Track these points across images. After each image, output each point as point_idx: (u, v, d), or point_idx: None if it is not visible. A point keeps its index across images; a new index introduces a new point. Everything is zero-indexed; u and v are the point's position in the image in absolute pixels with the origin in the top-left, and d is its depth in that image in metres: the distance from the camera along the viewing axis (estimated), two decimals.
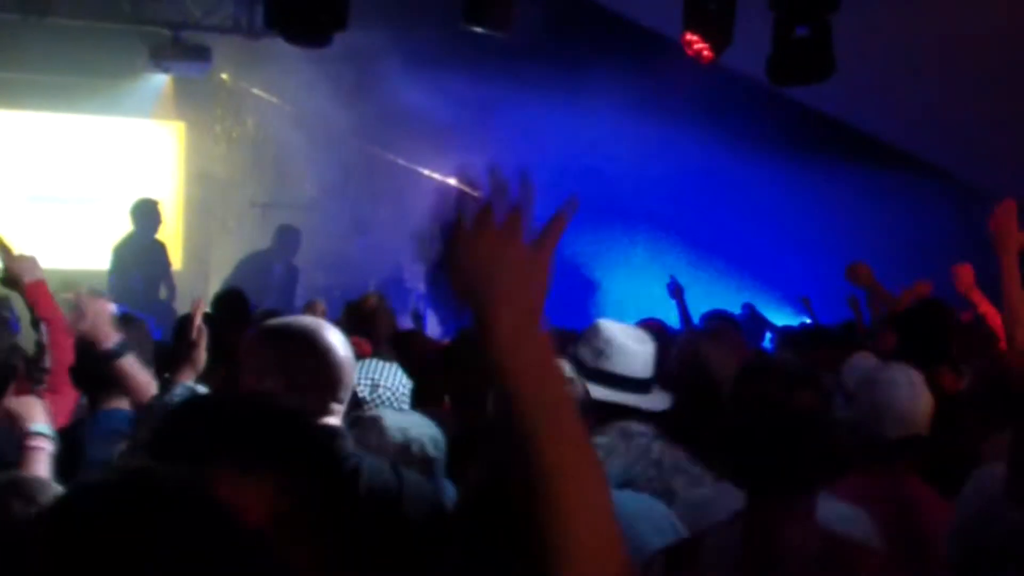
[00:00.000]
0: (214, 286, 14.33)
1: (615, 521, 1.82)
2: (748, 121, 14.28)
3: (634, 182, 15.30)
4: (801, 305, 11.47)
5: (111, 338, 4.76)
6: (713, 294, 14.16)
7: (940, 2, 11.52)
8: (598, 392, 4.61)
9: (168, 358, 5.09)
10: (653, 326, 7.85)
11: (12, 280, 5.32)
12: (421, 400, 5.41)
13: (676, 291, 10.92)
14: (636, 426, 4.60)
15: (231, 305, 8.27)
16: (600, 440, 4.45)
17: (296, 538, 1.95)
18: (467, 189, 2.00)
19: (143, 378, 4.83)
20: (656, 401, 4.79)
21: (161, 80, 15.35)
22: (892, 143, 14.74)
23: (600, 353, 4.83)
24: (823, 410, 3.32)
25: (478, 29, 11.18)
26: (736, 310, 11.25)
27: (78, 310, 4.68)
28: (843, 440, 4.04)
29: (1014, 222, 6.00)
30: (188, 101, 16.11)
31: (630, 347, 4.84)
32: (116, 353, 4.76)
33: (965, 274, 7.70)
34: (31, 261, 5.41)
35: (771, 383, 3.35)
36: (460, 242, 1.91)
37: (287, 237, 14.46)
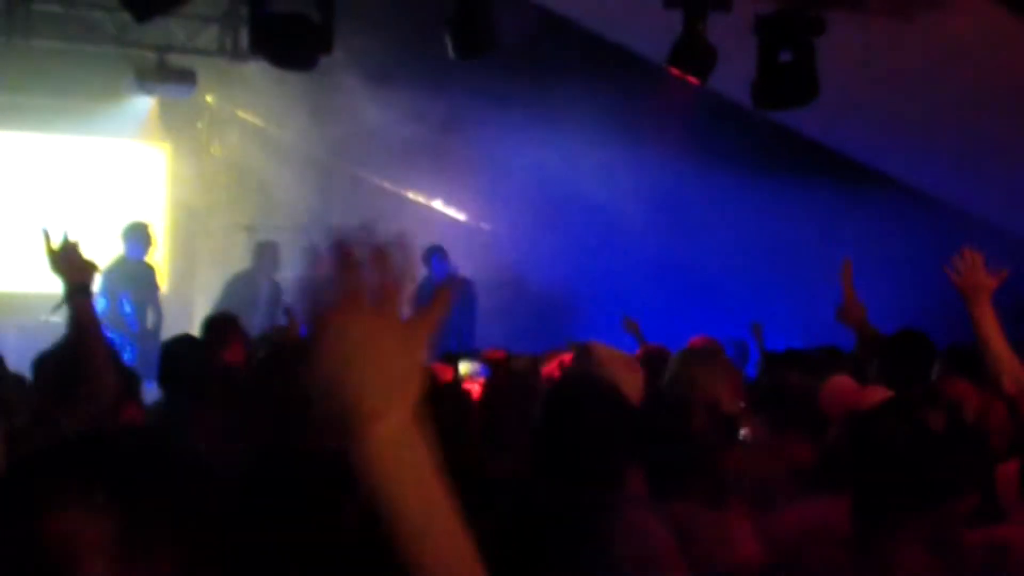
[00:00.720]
0: (199, 308, 14.34)
1: None
2: (721, 139, 14.31)
3: (608, 202, 15.29)
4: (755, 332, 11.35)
5: None
6: (688, 315, 14.21)
7: (920, 25, 11.55)
8: None
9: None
10: (654, 352, 7.87)
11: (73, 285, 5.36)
12: None
13: (630, 326, 10.83)
14: None
15: (221, 328, 8.21)
16: None
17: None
18: (343, 254, 1.74)
19: None
20: None
21: (146, 102, 15.33)
22: (868, 163, 14.77)
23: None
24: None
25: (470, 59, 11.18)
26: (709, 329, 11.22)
27: None
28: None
29: (981, 272, 5.86)
30: (173, 123, 16.11)
31: (619, 375, 4.86)
32: None
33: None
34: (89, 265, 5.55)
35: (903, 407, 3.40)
36: (326, 324, 1.64)
37: (267, 253, 14.35)
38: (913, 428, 3.37)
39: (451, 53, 11.04)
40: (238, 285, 14.04)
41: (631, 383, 4.90)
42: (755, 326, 11.06)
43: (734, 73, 11.19)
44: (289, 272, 15.10)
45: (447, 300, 1.80)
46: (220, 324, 8.34)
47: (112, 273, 13.24)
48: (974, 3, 10.84)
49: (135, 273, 13.46)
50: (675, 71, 11.38)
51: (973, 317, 5.76)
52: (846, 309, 7.48)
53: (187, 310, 14.55)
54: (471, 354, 9.52)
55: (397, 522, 1.63)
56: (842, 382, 5.39)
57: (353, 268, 1.71)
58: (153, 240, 13.74)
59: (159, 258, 14.99)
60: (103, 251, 13.99)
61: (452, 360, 8.70)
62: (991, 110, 11.90)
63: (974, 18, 11.14)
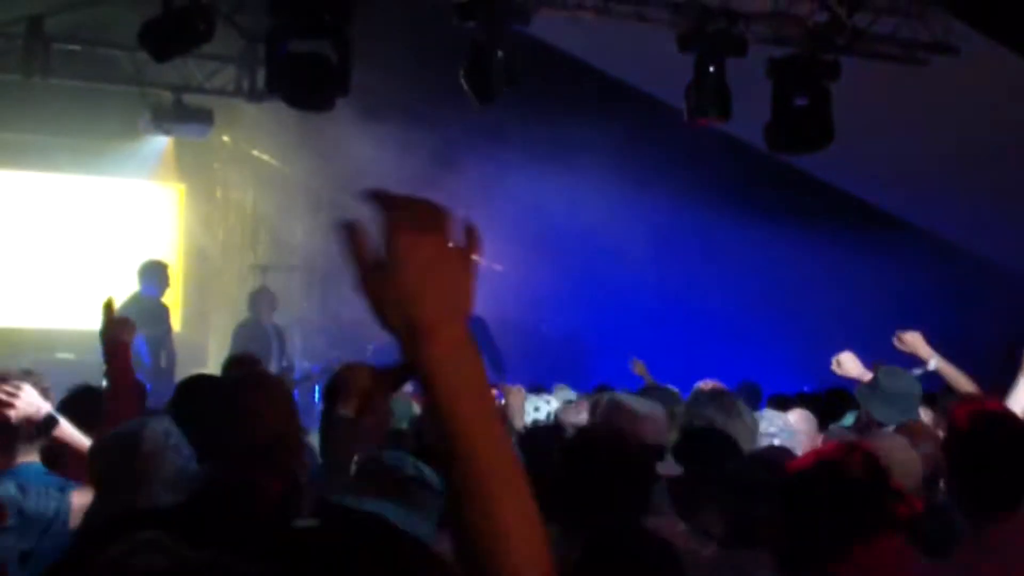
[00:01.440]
0: (214, 349, 14.36)
1: (544, 541, 1.82)
2: (730, 179, 14.33)
3: (615, 242, 15.29)
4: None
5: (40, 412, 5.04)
6: (694, 355, 14.18)
7: (931, 70, 11.59)
8: None
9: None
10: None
11: (108, 338, 5.58)
12: None
13: (638, 368, 10.79)
14: None
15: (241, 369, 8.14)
16: None
17: None
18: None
19: (81, 440, 5.08)
20: (668, 467, 4.86)
21: (162, 142, 15.40)
22: (878, 206, 14.79)
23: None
24: None
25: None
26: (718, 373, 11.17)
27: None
28: None
29: (921, 347, 6.78)
30: (189, 163, 16.17)
31: (642, 413, 4.95)
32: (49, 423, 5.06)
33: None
34: (129, 325, 5.76)
35: None
36: (399, 240, 1.84)
37: (263, 300, 14.37)
38: (828, 474, 3.38)
39: (472, 97, 11.05)
40: (248, 332, 14.05)
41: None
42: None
43: (748, 115, 11.20)
44: (298, 312, 15.15)
45: (477, 239, 1.92)
46: (240, 365, 8.26)
47: (126, 310, 13.25)
48: (986, 49, 10.86)
49: (149, 311, 13.46)
50: (701, 121, 11.40)
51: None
52: (839, 361, 7.52)
53: (201, 349, 14.57)
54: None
55: (453, 424, 1.78)
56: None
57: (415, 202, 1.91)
58: (169, 279, 13.78)
59: (172, 297, 15.02)
60: (116, 290, 14.07)
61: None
62: (1002, 155, 11.92)
63: (986, 64, 11.18)
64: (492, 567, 1.77)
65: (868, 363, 8.49)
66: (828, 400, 8.82)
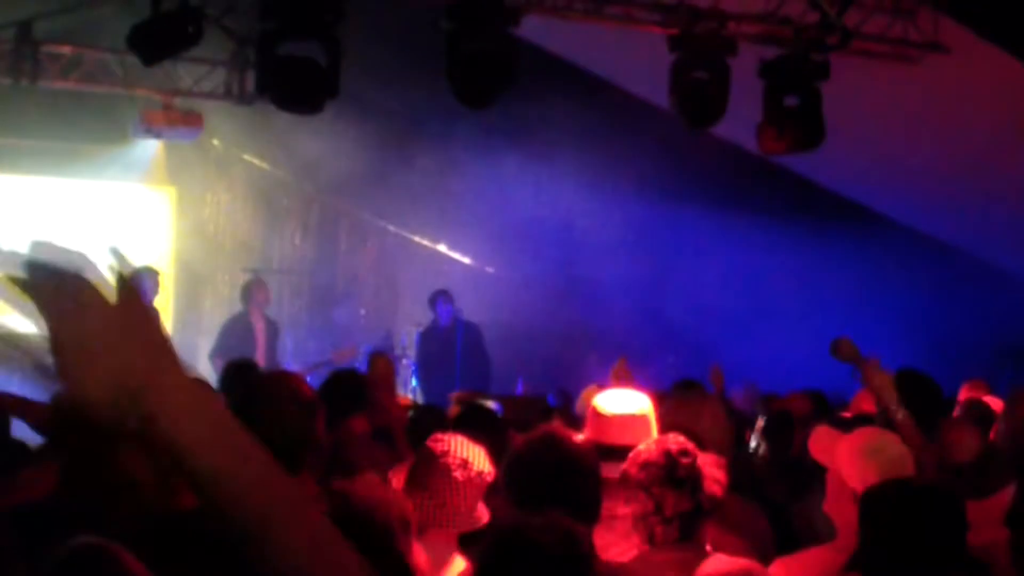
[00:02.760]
0: (203, 352, 14.32)
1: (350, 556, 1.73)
2: (713, 175, 14.33)
3: (607, 245, 15.28)
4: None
5: None
6: (681, 355, 14.17)
7: (922, 70, 11.60)
8: None
9: None
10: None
11: None
12: None
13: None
14: None
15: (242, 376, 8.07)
16: None
17: None
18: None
19: None
20: None
21: (152, 146, 15.36)
22: (868, 205, 14.80)
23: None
24: None
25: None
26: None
27: None
28: None
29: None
30: (179, 167, 16.13)
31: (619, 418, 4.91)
32: None
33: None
34: None
35: None
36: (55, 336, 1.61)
37: (256, 291, 14.32)
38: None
39: (459, 100, 11.03)
40: (235, 327, 14.05)
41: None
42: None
43: (738, 117, 11.20)
44: (287, 315, 15.15)
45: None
46: (240, 371, 8.21)
47: None
48: (976, 48, 10.87)
49: None
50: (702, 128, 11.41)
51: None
52: (836, 344, 7.50)
53: (192, 352, 14.51)
54: (488, 396, 9.57)
55: (207, 472, 1.63)
56: (822, 432, 5.37)
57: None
58: (159, 286, 13.74)
59: (164, 301, 14.99)
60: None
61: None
62: (992, 153, 11.92)
63: (976, 63, 11.18)
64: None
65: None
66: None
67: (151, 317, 1.67)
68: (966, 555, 3.66)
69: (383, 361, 7.77)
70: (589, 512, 4.13)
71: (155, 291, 13.68)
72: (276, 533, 1.65)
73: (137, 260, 14.18)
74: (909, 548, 3.63)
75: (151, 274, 13.61)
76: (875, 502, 3.81)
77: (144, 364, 1.62)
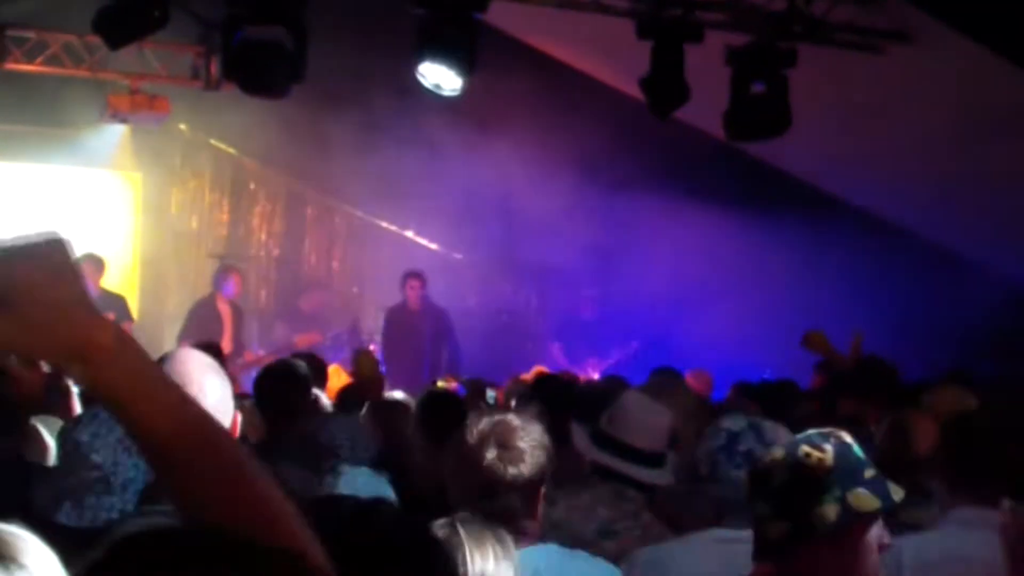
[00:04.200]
0: (170, 337, 14.28)
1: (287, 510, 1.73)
2: (693, 170, 14.36)
3: (580, 232, 15.28)
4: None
5: None
6: (656, 345, 14.19)
7: (889, 58, 11.64)
8: (597, 454, 4.77)
9: None
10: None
11: None
12: None
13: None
14: (631, 491, 4.85)
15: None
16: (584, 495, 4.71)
17: None
18: None
19: None
20: (656, 475, 4.89)
21: (119, 130, 15.27)
22: (838, 196, 14.85)
23: (611, 419, 4.93)
24: None
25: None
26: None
27: None
28: None
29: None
30: (146, 151, 16.04)
31: (639, 418, 4.95)
32: None
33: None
34: None
35: None
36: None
37: (226, 278, 14.33)
38: (794, 463, 3.36)
39: (432, 88, 11.06)
40: (200, 310, 14.05)
41: None
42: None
43: (706, 104, 11.23)
44: (254, 301, 15.10)
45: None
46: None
47: None
48: (943, 36, 10.90)
49: (104, 304, 13.48)
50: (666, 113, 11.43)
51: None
52: (808, 337, 7.55)
53: (157, 337, 14.46)
54: (461, 380, 9.63)
55: (148, 421, 1.69)
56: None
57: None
58: (103, 272, 13.76)
59: (129, 286, 14.95)
60: None
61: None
62: (959, 142, 11.96)
63: (943, 51, 11.22)
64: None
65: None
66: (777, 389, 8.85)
67: (79, 278, 1.76)
68: None
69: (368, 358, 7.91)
70: None
71: (99, 275, 13.67)
72: (205, 473, 1.71)
73: (104, 244, 14.16)
74: None
75: (93, 260, 13.60)
76: None
77: (82, 323, 1.70)
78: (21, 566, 1.78)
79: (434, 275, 14.98)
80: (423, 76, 11.01)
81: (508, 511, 3.69)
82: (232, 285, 14.30)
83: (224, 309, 14.11)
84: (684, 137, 13.72)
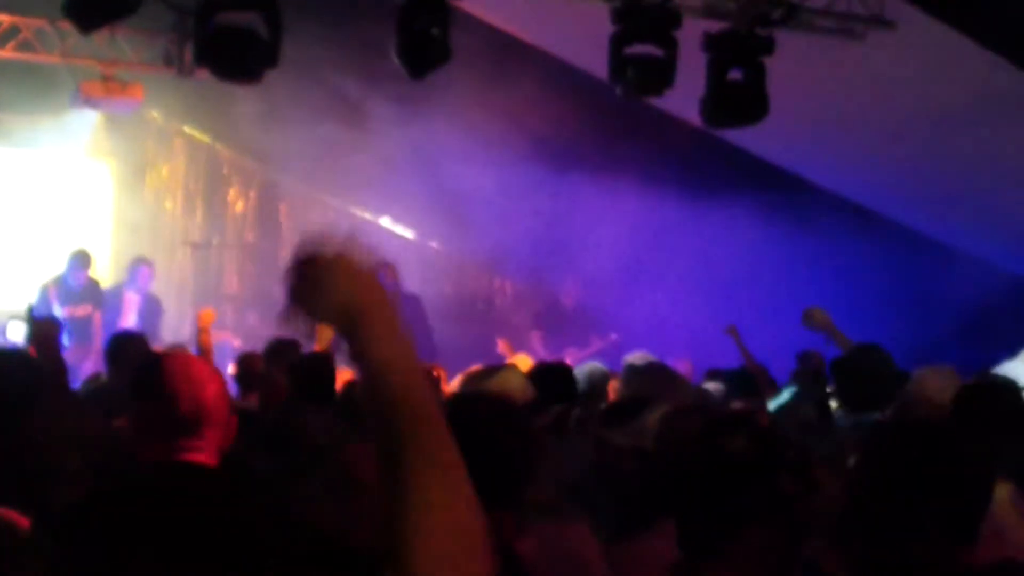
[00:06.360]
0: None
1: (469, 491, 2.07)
2: (658, 150, 14.32)
3: (559, 222, 15.24)
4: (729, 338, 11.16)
5: None
6: (638, 337, 14.14)
7: (868, 44, 11.62)
8: None
9: None
10: None
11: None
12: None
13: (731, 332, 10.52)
14: None
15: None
16: None
17: None
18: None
19: None
20: None
21: (91, 117, 15.15)
22: (818, 183, 14.82)
23: None
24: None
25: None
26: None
27: None
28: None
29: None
30: (118, 139, 15.92)
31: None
32: None
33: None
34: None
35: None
36: (326, 269, 2.25)
37: (137, 270, 14.32)
38: (709, 453, 3.28)
39: (407, 73, 10.99)
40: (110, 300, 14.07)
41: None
42: (731, 330, 10.71)
43: (682, 90, 11.18)
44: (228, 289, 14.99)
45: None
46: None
47: (48, 290, 13.29)
48: (921, 22, 10.88)
49: (73, 292, 13.49)
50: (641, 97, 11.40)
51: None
52: (809, 313, 7.52)
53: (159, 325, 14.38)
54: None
55: (388, 391, 2.09)
56: None
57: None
58: (89, 265, 13.75)
59: (102, 274, 14.84)
60: (45, 266, 13.96)
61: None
62: (939, 128, 11.96)
63: (921, 38, 11.20)
64: (413, 525, 2.00)
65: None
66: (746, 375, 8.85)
67: (369, 268, 2.24)
68: None
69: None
70: None
71: (87, 269, 13.67)
72: (427, 449, 2.06)
73: (75, 232, 14.07)
74: None
75: (81, 255, 13.60)
76: None
77: (362, 297, 2.18)
78: None
79: (409, 264, 14.89)
80: (399, 62, 10.95)
81: None
82: (141, 277, 14.27)
83: (131, 300, 14.08)
84: (666, 125, 13.68)
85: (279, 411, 6.29)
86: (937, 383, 5.59)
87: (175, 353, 3.86)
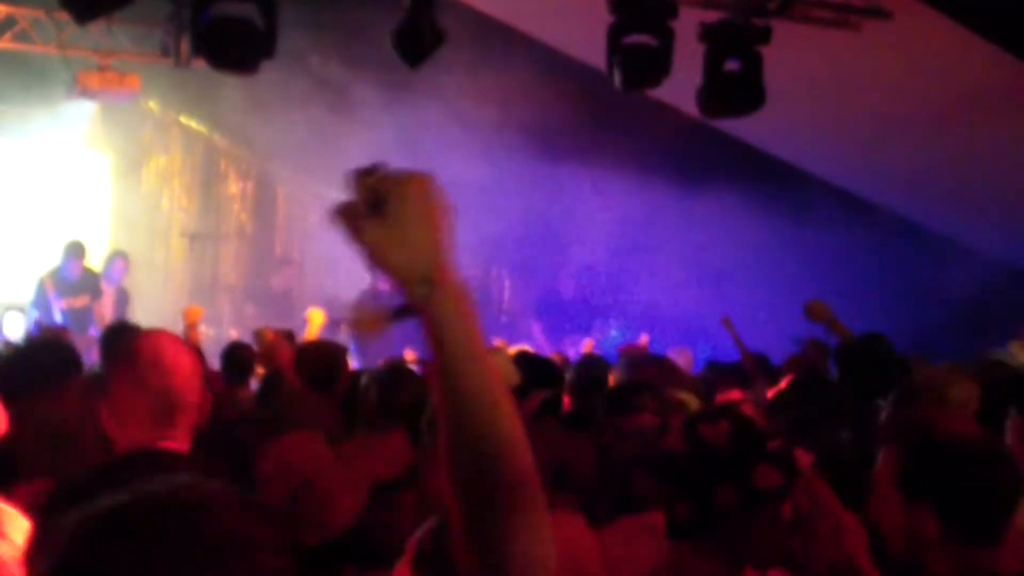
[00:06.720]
0: (140, 316, 14.18)
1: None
2: (654, 140, 14.32)
3: (557, 214, 15.25)
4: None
5: None
6: (636, 326, 14.17)
7: (865, 36, 11.61)
8: None
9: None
10: None
11: None
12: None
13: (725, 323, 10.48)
14: None
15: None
16: None
17: None
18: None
19: None
20: None
21: (87, 108, 15.14)
22: (814, 173, 14.83)
23: None
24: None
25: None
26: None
27: None
28: None
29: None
30: (115, 129, 15.92)
31: None
32: None
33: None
34: None
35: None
36: (403, 204, 2.02)
37: (114, 262, 14.39)
38: (691, 442, 3.29)
39: (405, 62, 10.99)
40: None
41: None
42: (725, 320, 10.69)
43: (679, 80, 11.17)
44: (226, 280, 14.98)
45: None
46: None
47: (46, 281, 13.30)
48: (919, 13, 10.88)
49: (70, 284, 13.50)
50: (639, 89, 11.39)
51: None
52: (810, 306, 7.53)
53: (124, 318, 14.37)
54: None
55: (458, 349, 1.98)
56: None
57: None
58: (84, 256, 13.77)
59: (100, 265, 14.86)
60: (42, 257, 13.95)
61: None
62: (934, 119, 11.97)
63: (918, 28, 11.20)
64: (495, 468, 1.96)
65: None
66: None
67: (446, 223, 2.05)
68: None
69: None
70: None
71: (82, 259, 13.73)
72: (493, 403, 1.98)
73: (72, 223, 14.07)
74: None
75: (76, 246, 13.64)
76: None
77: (434, 258, 2.00)
78: None
79: None
80: (395, 48, 10.95)
81: None
82: (116, 270, 14.31)
83: (107, 292, 14.11)
84: (662, 114, 13.67)
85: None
86: (946, 376, 5.60)
87: (148, 337, 3.79)
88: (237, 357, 8.43)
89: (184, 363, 3.69)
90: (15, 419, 3.99)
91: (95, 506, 1.73)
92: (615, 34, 11.06)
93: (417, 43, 10.86)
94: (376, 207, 2.03)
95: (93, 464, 3.69)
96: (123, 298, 14.39)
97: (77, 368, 5.29)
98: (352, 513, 4.62)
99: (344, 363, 6.97)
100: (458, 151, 14.19)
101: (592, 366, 7.43)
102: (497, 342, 11.74)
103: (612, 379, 7.52)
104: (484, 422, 1.96)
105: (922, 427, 3.29)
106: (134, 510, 1.72)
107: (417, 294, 1.98)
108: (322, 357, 6.91)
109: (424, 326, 1.99)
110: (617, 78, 11.20)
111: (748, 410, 3.77)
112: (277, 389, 7.01)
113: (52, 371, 5.10)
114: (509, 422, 1.98)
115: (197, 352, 4.46)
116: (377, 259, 2.01)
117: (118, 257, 14.47)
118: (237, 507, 1.76)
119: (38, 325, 12.41)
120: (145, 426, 3.57)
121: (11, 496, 3.43)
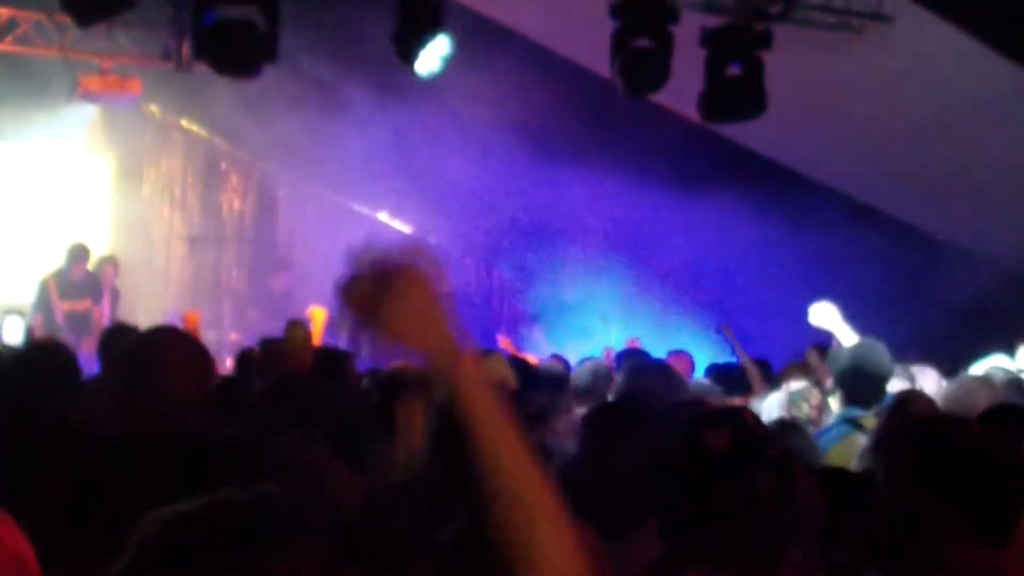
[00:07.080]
0: (140, 317, 14.19)
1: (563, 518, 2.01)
2: (654, 145, 14.31)
3: (555, 217, 15.24)
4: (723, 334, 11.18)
5: None
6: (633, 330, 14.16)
7: (867, 41, 11.62)
8: None
9: None
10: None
11: None
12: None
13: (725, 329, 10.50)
14: None
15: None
16: None
17: None
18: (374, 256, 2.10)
19: None
20: None
21: (90, 111, 15.16)
22: (815, 179, 14.82)
23: None
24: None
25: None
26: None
27: None
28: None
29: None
30: (116, 133, 15.94)
31: None
32: None
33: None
34: None
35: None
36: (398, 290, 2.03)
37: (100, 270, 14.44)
38: (690, 446, 3.29)
39: (409, 67, 11.03)
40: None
41: None
42: (725, 327, 10.71)
43: (680, 85, 11.17)
44: (227, 283, 14.96)
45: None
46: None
47: (47, 284, 13.32)
48: (921, 18, 10.89)
49: (71, 286, 13.52)
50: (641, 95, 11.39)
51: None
52: (817, 310, 7.54)
53: (130, 318, 14.37)
54: None
55: (482, 433, 2.00)
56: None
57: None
58: (87, 258, 13.79)
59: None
60: (43, 261, 13.96)
61: None
62: (935, 123, 11.97)
63: (919, 33, 11.20)
64: (527, 550, 1.98)
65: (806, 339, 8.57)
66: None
67: (451, 309, 2.08)
68: None
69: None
70: None
71: (85, 263, 13.75)
72: (516, 489, 2.00)
73: (74, 225, 14.09)
74: None
75: (79, 249, 13.66)
76: None
77: (455, 341, 2.04)
78: None
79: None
80: (400, 54, 10.97)
81: None
82: (106, 276, 14.37)
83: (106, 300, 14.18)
84: (661, 118, 13.66)
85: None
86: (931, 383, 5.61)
87: (150, 334, 3.80)
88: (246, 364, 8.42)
89: (183, 357, 3.71)
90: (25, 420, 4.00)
91: (173, 510, 1.79)
92: (619, 41, 11.06)
93: (419, 48, 10.91)
94: (382, 288, 2.04)
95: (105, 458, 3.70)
96: (115, 298, 14.41)
97: (76, 374, 5.29)
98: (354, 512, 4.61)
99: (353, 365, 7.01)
100: (463, 157, 14.23)
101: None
102: (502, 341, 11.74)
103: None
104: (516, 496, 1.99)
105: (938, 429, 3.29)
106: (207, 521, 1.77)
107: (443, 370, 2.02)
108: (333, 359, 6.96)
109: (453, 399, 2.02)
110: (621, 85, 11.20)
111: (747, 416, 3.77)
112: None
113: (53, 377, 5.07)
114: (540, 492, 2.00)
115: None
116: (397, 336, 2.04)
117: (107, 263, 14.49)
118: (297, 541, 1.81)
119: (30, 332, 12.41)
120: (152, 418, 3.58)
121: (32, 493, 3.43)
